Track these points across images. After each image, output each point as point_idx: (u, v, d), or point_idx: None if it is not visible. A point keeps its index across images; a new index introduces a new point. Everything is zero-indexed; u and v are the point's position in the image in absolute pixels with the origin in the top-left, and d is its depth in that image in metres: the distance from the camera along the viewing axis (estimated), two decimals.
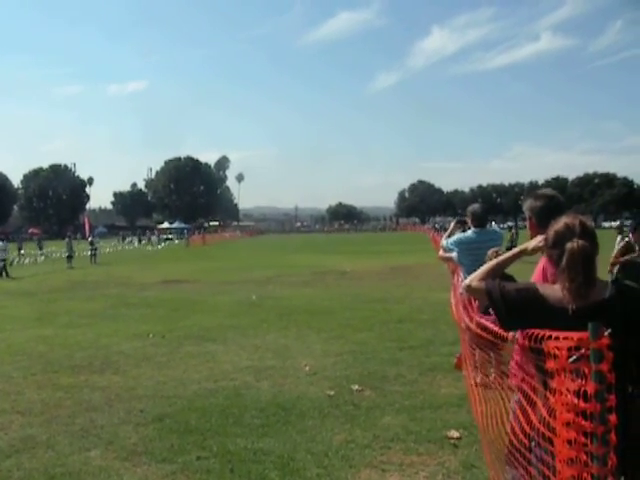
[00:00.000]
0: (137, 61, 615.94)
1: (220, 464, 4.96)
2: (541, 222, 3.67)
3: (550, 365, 2.17)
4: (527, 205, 3.84)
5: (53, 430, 5.90)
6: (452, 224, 8.83)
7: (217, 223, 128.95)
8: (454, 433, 5.48)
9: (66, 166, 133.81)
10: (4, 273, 26.90)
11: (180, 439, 5.57)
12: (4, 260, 27.42)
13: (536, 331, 2.38)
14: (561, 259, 2.73)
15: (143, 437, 5.66)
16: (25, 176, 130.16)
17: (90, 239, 40.22)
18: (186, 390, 7.23)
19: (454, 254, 7.25)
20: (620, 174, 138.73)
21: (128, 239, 74.68)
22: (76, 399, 6.95)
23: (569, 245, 2.70)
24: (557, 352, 2.11)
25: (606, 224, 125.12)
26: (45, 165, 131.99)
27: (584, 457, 2.05)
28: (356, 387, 7.10)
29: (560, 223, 2.85)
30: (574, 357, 2.06)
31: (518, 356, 3.29)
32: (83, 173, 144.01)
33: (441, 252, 8.07)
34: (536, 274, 3.57)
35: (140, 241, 61.00)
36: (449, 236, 8.00)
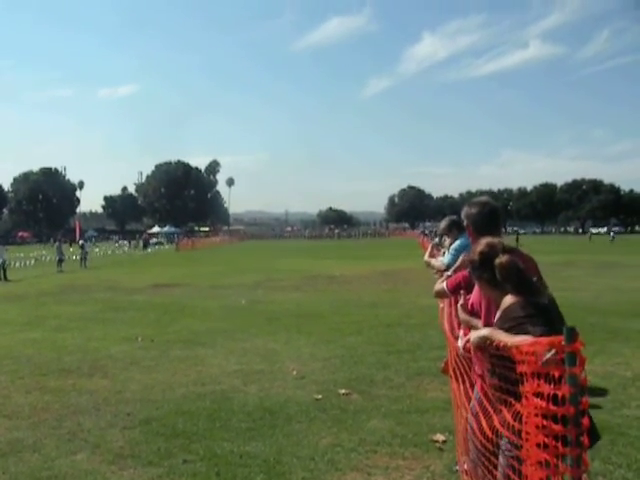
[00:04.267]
0: (128, 65, 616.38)
1: (206, 467, 4.98)
2: (477, 229, 3.83)
3: (521, 369, 2.22)
4: (463, 213, 4.03)
5: (40, 433, 5.89)
6: (429, 247, 8.84)
7: (207, 228, 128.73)
8: (440, 437, 5.52)
9: (56, 170, 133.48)
10: (2, 275, 26.75)
11: (167, 442, 5.58)
12: (4, 262, 27.28)
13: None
14: (491, 276, 3.00)
15: (130, 440, 5.67)
16: (15, 179, 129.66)
17: (81, 243, 40.04)
18: (174, 394, 7.24)
19: (439, 260, 7.25)
20: (607, 180, 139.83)
21: (120, 242, 74.60)
22: (64, 403, 6.94)
23: (497, 261, 2.96)
24: (528, 357, 2.15)
25: (594, 230, 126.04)
26: (35, 168, 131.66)
27: (554, 460, 2.09)
28: (343, 391, 7.12)
29: (482, 245, 3.11)
30: (548, 355, 2.11)
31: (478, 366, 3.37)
32: (74, 177, 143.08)
33: (426, 257, 8.08)
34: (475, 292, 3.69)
35: (145, 246, 60.57)
36: (433, 255, 8.03)
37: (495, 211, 4.02)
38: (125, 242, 74.54)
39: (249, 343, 10.29)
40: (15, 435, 5.86)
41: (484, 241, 3.15)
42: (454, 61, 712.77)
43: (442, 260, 7.41)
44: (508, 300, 2.95)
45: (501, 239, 3.20)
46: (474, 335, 3.00)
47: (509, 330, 2.79)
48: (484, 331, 2.93)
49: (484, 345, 2.91)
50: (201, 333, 11.42)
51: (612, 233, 73.72)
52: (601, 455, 4.89)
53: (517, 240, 57.35)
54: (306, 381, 7.69)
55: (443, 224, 7.39)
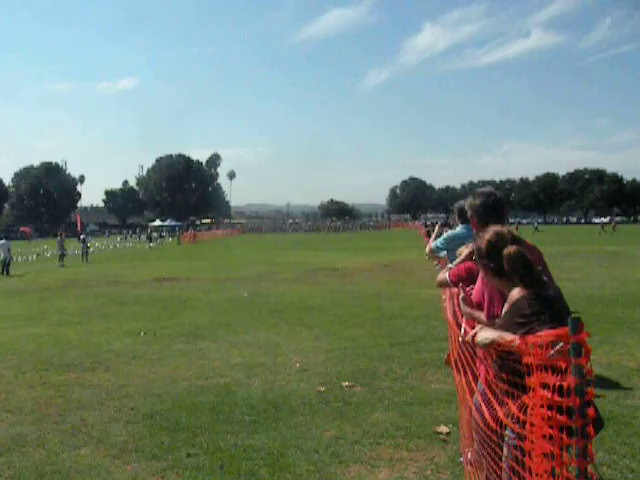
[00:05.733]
0: (128, 58, 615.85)
1: (210, 461, 4.98)
2: (481, 219, 3.81)
3: (528, 361, 2.20)
4: (467, 204, 4.01)
5: (44, 428, 5.89)
6: (437, 227, 8.81)
7: (209, 220, 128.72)
8: (443, 429, 5.52)
9: (57, 164, 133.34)
10: (5, 271, 26.79)
11: (170, 436, 5.58)
12: (7, 258, 27.31)
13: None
14: (498, 266, 2.97)
15: (133, 435, 5.66)
16: (16, 174, 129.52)
17: (82, 237, 40.09)
18: (177, 387, 7.24)
19: (444, 253, 7.22)
20: (610, 170, 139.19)
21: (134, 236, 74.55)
22: (67, 397, 6.94)
23: (505, 251, 2.92)
24: (534, 349, 2.14)
25: (596, 220, 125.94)
26: (36, 163, 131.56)
27: (559, 451, 2.08)
28: (346, 383, 7.12)
29: (490, 233, 3.07)
30: (557, 347, 2.10)
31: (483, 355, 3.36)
32: (74, 171, 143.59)
33: (428, 248, 8.04)
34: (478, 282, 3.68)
35: (150, 240, 59.53)
36: (435, 239, 7.97)
37: (499, 202, 4.00)
38: (139, 236, 73.75)
39: (251, 336, 10.29)
40: (19, 430, 5.86)
41: (492, 230, 3.12)
42: (455, 51, 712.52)
43: (433, 246, 7.41)
44: (516, 293, 2.92)
45: (509, 228, 3.17)
46: (481, 337, 2.97)
47: (519, 326, 2.76)
48: (491, 334, 2.89)
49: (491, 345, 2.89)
50: (203, 326, 11.42)
51: (536, 224, 79.44)
52: (605, 445, 4.89)
53: None
54: (309, 374, 7.69)
55: (457, 205, 7.35)
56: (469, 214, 4.08)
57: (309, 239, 64.29)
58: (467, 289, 3.83)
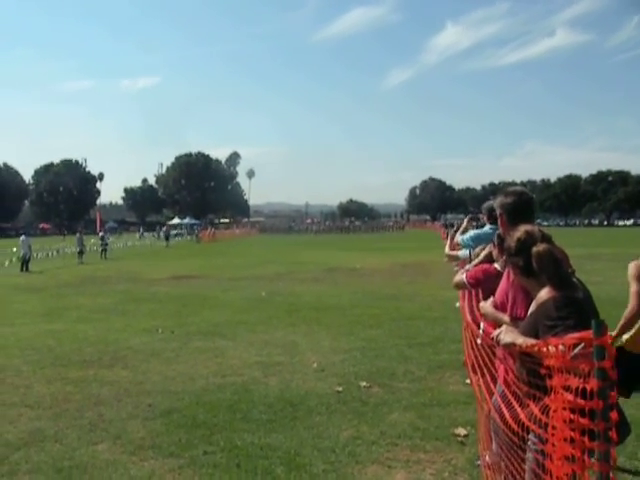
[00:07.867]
0: (149, 57, 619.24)
1: (227, 459, 4.98)
2: (511, 219, 3.76)
3: (550, 363, 2.17)
4: (498, 202, 3.97)
5: (62, 424, 5.93)
6: (465, 221, 8.75)
7: (228, 220, 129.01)
8: (461, 431, 5.48)
9: (77, 161, 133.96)
10: (25, 267, 27.03)
11: (187, 434, 5.59)
12: (26, 254, 27.55)
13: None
14: (527, 265, 2.94)
15: (151, 431, 5.68)
16: (36, 171, 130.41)
17: (100, 234, 40.35)
18: (194, 385, 7.25)
19: (461, 252, 7.17)
20: (634, 171, 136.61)
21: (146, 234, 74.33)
22: (85, 393, 6.99)
23: (534, 249, 2.89)
24: (557, 350, 2.11)
25: (620, 222, 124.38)
26: (56, 160, 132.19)
27: (580, 454, 2.05)
28: (364, 384, 7.10)
29: (521, 231, 3.05)
30: (576, 350, 2.07)
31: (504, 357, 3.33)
32: (94, 168, 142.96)
33: (447, 249, 7.99)
34: (503, 281, 3.65)
35: (167, 238, 58.82)
36: (462, 232, 7.90)
37: (531, 201, 3.97)
38: (158, 234, 72.68)
39: (269, 335, 10.30)
40: (37, 425, 5.91)
41: (523, 228, 3.09)
42: (477, 51, 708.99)
43: (459, 239, 7.34)
44: (544, 294, 2.87)
45: (540, 228, 3.13)
46: (504, 339, 2.94)
47: (545, 328, 2.72)
48: (515, 337, 2.86)
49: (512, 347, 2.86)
50: (221, 325, 11.44)
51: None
52: (627, 450, 4.81)
53: None
54: (327, 373, 7.67)
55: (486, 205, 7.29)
56: (498, 212, 4.02)
57: (325, 239, 64.22)
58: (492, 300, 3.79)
